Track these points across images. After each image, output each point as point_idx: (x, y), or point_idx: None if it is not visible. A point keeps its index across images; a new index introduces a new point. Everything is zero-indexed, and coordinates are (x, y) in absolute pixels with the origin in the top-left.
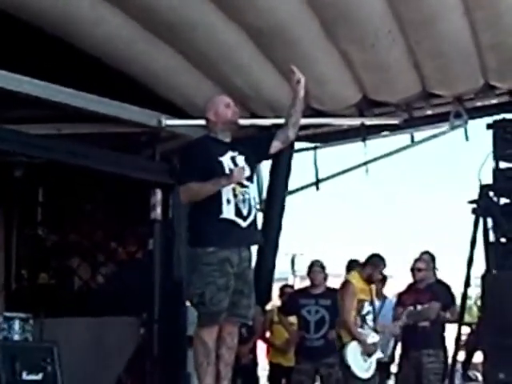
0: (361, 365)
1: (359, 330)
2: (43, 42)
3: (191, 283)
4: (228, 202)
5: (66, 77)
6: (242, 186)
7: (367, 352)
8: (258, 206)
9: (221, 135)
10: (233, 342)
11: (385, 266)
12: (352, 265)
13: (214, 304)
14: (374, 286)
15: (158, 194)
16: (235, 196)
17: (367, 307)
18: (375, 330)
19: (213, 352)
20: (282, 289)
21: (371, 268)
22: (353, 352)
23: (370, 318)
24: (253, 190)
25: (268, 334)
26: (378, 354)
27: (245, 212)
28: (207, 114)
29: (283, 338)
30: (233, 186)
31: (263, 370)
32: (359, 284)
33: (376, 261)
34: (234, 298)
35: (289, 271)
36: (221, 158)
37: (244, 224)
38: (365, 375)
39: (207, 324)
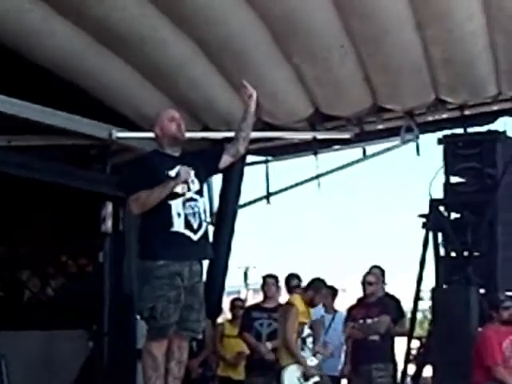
0: None
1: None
2: None
3: (141, 297)
4: (178, 215)
5: (17, 88)
6: (192, 199)
7: (307, 374)
8: (208, 220)
9: (169, 150)
10: (182, 356)
11: (324, 289)
12: (290, 279)
13: (164, 317)
14: (311, 310)
15: (109, 207)
16: (185, 208)
17: (307, 330)
18: (314, 354)
19: (162, 366)
20: (232, 302)
21: (313, 292)
22: (290, 375)
23: (309, 340)
24: (203, 203)
25: (218, 348)
26: (316, 379)
27: (195, 225)
28: (154, 128)
29: (233, 351)
30: (182, 199)
31: None
32: (301, 307)
33: (318, 285)
34: (184, 312)
35: (241, 284)
36: (170, 172)
37: (194, 237)
38: None
39: (157, 338)
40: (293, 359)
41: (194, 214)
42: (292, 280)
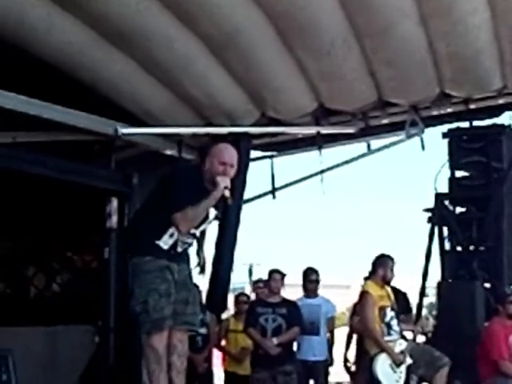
0: (390, 377)
1: (386, 338)
2: None
3: (133, 293)
4: (171, 235)
5: (21, 84)
6: (193, 235)
7: (396, 362)
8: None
9: (206, 184)
10: (184, 349)
11: (393, 261)
12: (308, 273)
13: (157, 311)
14: (388, 289)
15: (114, 203)
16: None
17: (389, 313)
18: (403, 336)
19: (164, 358)
20: (237, 297)
21: (382, 269)
22: (382, 365)
23: (394, 323)
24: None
25: (224, 343)
26: (408, 361)
27: (179, 249)
28: (206, 158)
29: (239, 346)
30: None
31: (218, 379)
32: (376, 292)
33: (382, 260)
34: (180, 307)
35: (246, 281)
36: None
37: (172, 252)
38: None
39: (154, 331)
40: (379, 348)
41: (184, 243)
42: (310, 275)
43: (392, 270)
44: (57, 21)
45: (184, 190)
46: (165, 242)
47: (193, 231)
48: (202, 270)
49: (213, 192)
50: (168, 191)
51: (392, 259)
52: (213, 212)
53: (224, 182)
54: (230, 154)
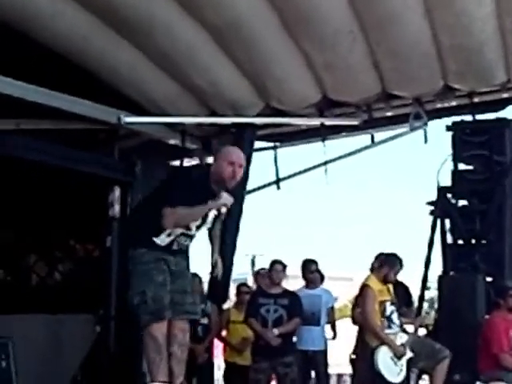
0: (392, 369)
1: (387, 331)
2: (2, 36)
3: (130, 284)
4: (169, 235)
5: (26, 72)
6: (188, 236)
7: (397, 354)
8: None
9: (213, 186)
10: (184, 339)
11: (401, 266)
12: (308, 264)
13: (156, 301)
14: (390, 286)
15: (117, 192)
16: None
17: (390, 307)
18: (403, 330)
19: (164, 347)
20: (238, 287)
21: (388, 268)
22: (383, 357)
23: (395, 317)
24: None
25: (224, 333)
26: (408, 355)
27: (174, 247)
28: (214, 161)
29: (239, 336)
30: (181, 231)
31: (218, 369)
32: (377, 286)
33: (393, 261)
34: (179, 297)
35: (249, 272)
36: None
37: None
38: (397, 379)
39: (153, 321)
40: (380, 341)
41: (180, 243)
42: (310, 265)
43: (396, 273)
44: (61, 8)
45: (182, 188)
46: (161, 240)
47: (189, 232)
48: (216, 272)
49: (211, 201)
50: (167, 188)
51: (401, 263)
52: (212, 216)
53: (227, 200)
54: (237, 154)
